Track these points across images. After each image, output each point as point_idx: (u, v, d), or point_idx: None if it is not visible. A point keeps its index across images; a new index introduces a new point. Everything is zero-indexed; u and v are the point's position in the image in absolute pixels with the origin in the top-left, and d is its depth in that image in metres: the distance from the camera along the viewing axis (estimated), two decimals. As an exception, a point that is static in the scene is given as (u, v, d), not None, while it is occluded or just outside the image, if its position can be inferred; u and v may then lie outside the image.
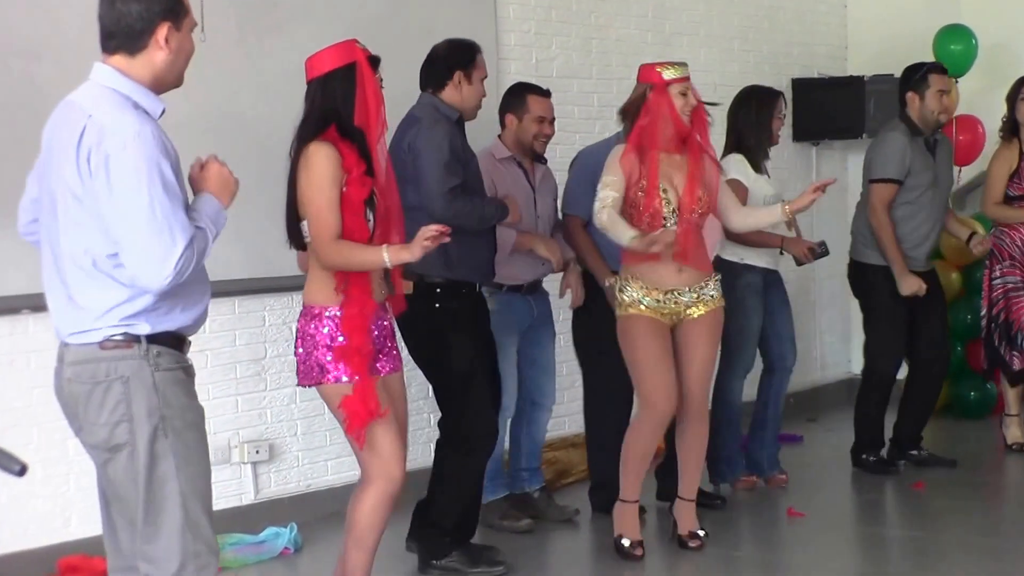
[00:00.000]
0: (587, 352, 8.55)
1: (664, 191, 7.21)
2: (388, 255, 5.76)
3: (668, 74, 7.26)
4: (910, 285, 9.05)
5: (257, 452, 8.10)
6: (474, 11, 9.33)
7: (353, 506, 6.07)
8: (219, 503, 7.88)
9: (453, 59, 7.64)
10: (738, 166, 8.76)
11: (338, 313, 5.86)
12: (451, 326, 7.38)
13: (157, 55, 4.59)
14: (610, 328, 7.76)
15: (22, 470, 4.05)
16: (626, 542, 7.41)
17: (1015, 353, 9.77)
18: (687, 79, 7.34)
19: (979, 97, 10.45)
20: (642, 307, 7.25)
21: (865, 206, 9.40)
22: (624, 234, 6.98)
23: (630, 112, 7.35)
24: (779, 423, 9.33)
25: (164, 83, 4.68)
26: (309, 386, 6.07)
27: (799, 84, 10.02)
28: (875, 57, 12.02)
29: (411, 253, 5.79)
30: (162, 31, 4.56)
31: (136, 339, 4.52)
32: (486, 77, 7.75)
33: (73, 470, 4.91)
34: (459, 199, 7.33)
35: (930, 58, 11.20)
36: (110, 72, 4.58)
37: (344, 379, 5.83)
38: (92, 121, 4.46)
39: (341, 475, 6.26)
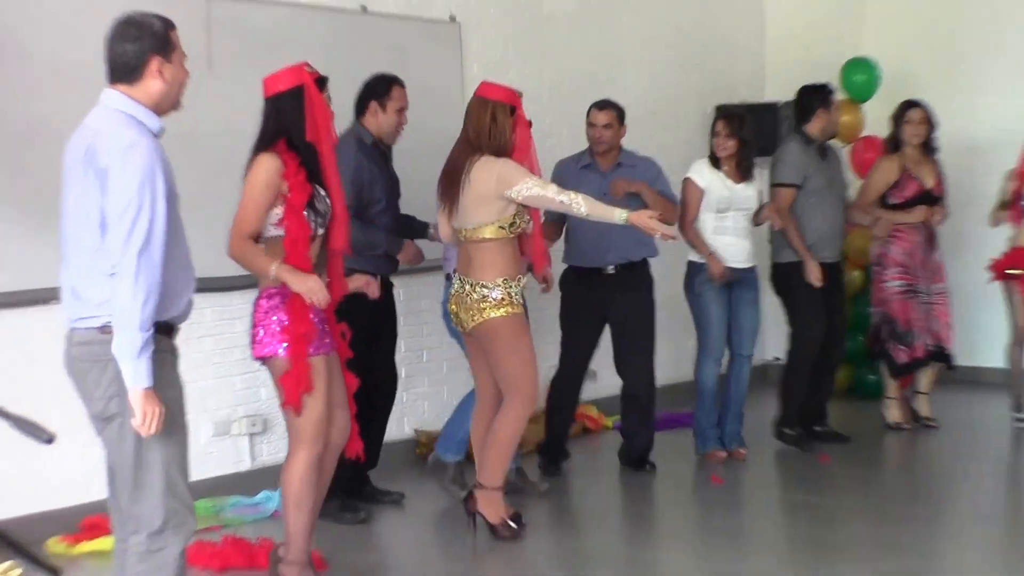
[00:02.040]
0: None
1: None
2: (275, 271, 5.78)
3: (509, 95, 7.20)
4: (814, 272, 9.15)
5: (253, 426, 8.23)
6: (442, 43, 9.41)
7: (285, 472, 6.10)
8: (220, 470, 8.07)
9: (371, 90, 7.79)
10: (695, 166, 9.05)
11: (285, 297, 5.90)
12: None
13: (152, 84, 4.74)
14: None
15: (50, 439, 4.24)
16: (512, 524, 7.15)
17: (901, 348, 9.91)
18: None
19: (881, 120, 10.54)
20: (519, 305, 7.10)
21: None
22: (612, 212, 6.98)
23: (483, 131, 7.10)
24: (741, 404, 9.31)
25: (161, 107, 4.82)
26: (260, 359, 6.07)
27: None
28: (788, 85, 11.59)
29: (298, 284, 5.80)
30: (154, 63, 4.73)
31: None
32: (404, 107, 7.74)
33: (95, 439, 4.97)
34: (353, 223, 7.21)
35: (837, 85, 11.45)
36: (116, 95, 4.74)
37: (285, 356, 5.89)
38: (98, 134, 4.62)
39: None
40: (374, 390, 7.80)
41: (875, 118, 11.23)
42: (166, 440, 4.73)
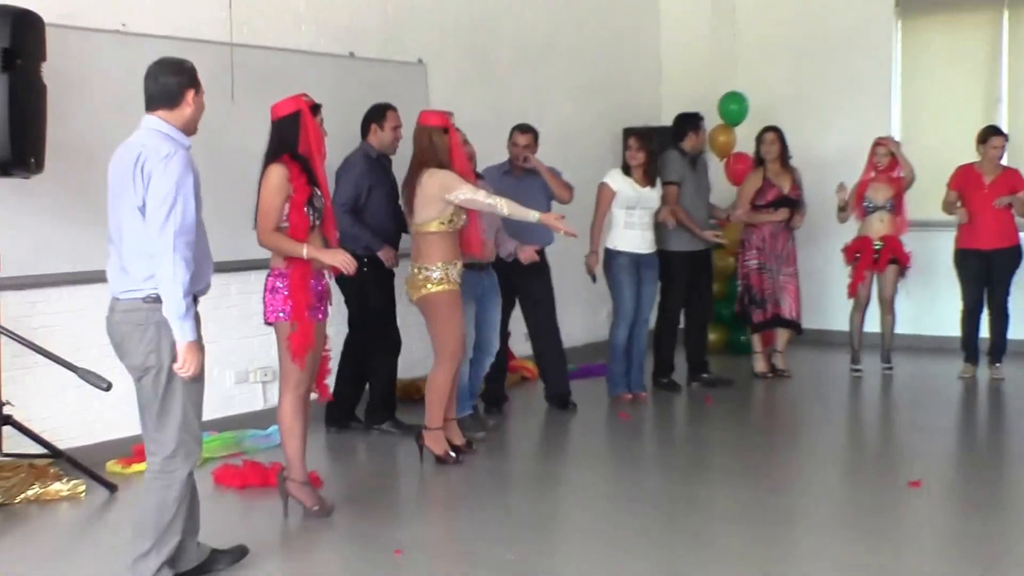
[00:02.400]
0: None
1: None
2: (306, 251, 5.84)
3: (440, 118, 7.23)
4: (708, 237, 9.49)
5: (265, 375, 8.26)
6: (412, 81, 9.41)
7: (280, 407, 6.16)
8: (240, 409, 8.08)
9: (371, 115, 7.97)
10: (609, 174, 9.11)
11: (292, 271, 5.92)
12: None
13: (186, 110, 4.92)
14: None
15: (108, 386, 4.33)
16: (452, 455, 7.21)
17: (757, 310, 10.01)
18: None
19: (748, 141, 10.57)
20: (457, 285, 7.13)
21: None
22: (528, 212, 7.04)
23: (427, 150, 7.12)
24: (642, 358, 9.29)
25: (188, 129, 4.96)
26: (268, 323, 6.07)
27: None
28: (630, 110, 11.93)
29: (329, 258, 5.92)
30: (189, 94, 4.92)
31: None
32: (398, 126, 7.86)
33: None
34: (347, 217, 7.60)
35: (716, 113, 11.58)
36: (155, 119, 4.89)
37: (290, 321, 5.93)
38: (144, 148, 4.76)
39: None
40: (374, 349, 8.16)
41: (744, 138, 11.14)
42: (187, 387, 4.85)
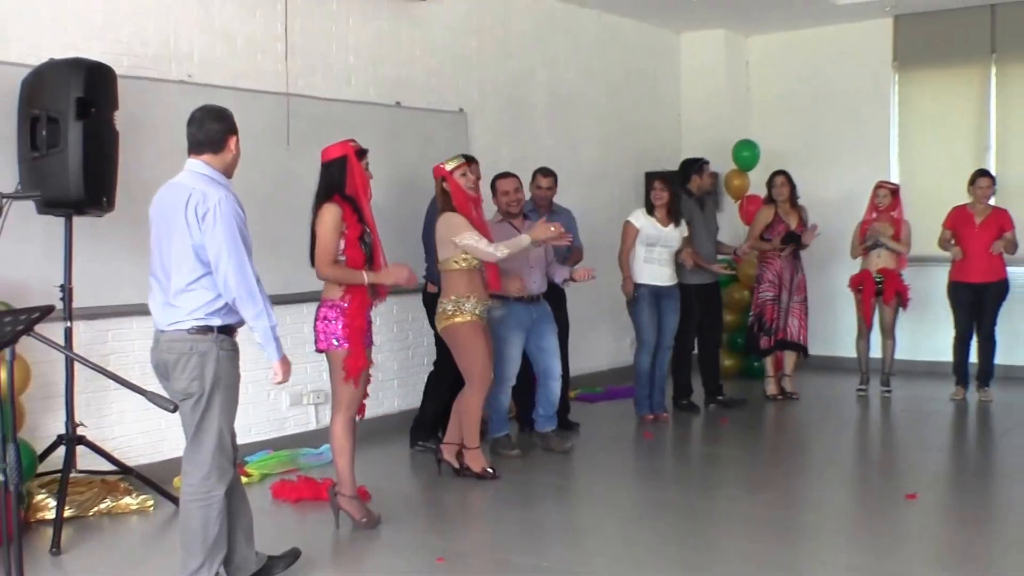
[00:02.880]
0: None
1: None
2: (367, 277, 5.86)
3: (448, 166, 6.99)
4: (716, 269, 9.43)
5: (317, 398, 8.16)
6: (454, 129, 9.33)
7: (332, 428, 6.12)
8: (295, 430, 8.08)
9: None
10: (634, 213, 8.99)
11: (345, 305, 5.88)
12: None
13: (228, 155, 4.87)
14: None
15: (175, 408, 4.23)
16: (490, 470, 7.16)
17: (764, 337, 9.97)
18: (464, 164, 7.00)
19: (760, 185, 10.57)
20: (477, 316, 7.00)
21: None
22: (522, 241, 6.98)
23: (441, 196, 7.05)
24: (663, 381, 9.23)
25: (228, 172, 4.91)
26: (321, 351, 6.04)
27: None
28: (652, 155, 11.85)
29: (390, 278, 5.96)
30: (232, 140, 4.87)
31: (211, 328, 4.73)
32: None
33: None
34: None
35: (730, 159, 11.57)
36: (201, 164, 4.84)
37: (346, 346, 5.89)
38: (195, 191, 4.70)
39: (370, 412, 6.37)
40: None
41: (757, 182, 11.21)
42: (223, 413, 4.81)
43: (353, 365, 5.92)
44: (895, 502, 6.63)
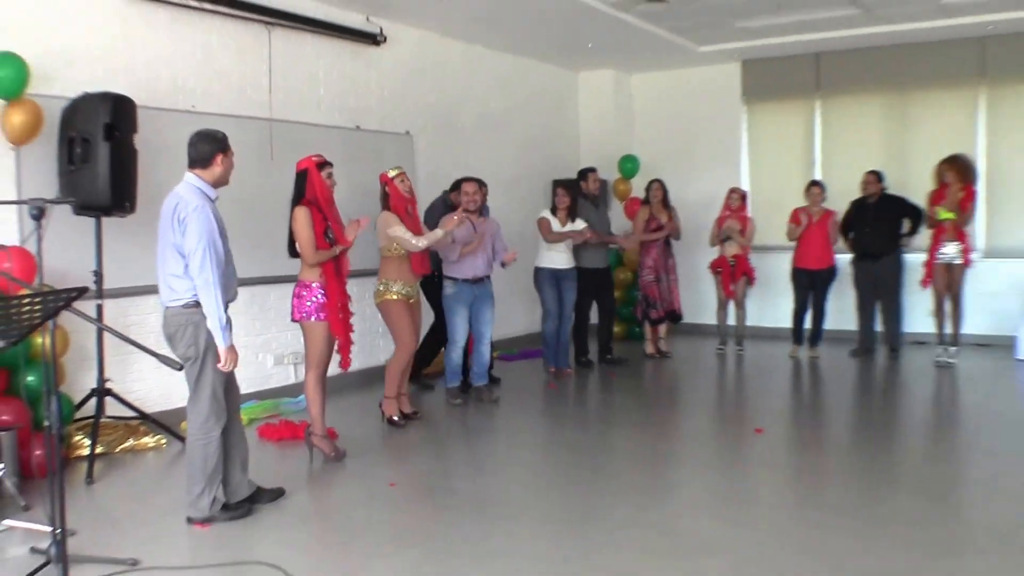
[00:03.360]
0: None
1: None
2: (338, 249, 5.91)
3: (390, 173, 6.96)
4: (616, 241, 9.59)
5: (295, 358, 8.10)
6: (403, 147, 9.26)
7: (305, 382, 6.09)
8: (277, 384, 7.99)
9: (453, 187, 7.99)
10: (543, 212, 9.01)
11: (315, 285, 5.88)
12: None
13: (216, 169, 4.86)
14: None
15: (180, 367, 4.28)
16: (396, 418, 7.08)
17: (653, 310, 10.04)
18: (402, 174, 6.93)
19: (641, 189, 10.57)
20: (403, 296, 6.96)
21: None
22: (436, 234, 6.97)
23: (383, 197, 6.99)
24: (566, 343, 9.14)
25: (218, 184, 4.91)
26: (296, 321, 6.01)
27: (555, 182, 9.99)
28: (556, 166, 11.25)
29: (350, 234, 6.05)
30: (218, 157, 4.86)
31: (199, 303, 4.74)
32: (467, 192, 7.75)
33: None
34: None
35: (617, 169, 11.58)
36: (193, 177, 4.86)
37: (322, 317, 5.89)
38: (182, 200, 4.74)
39: (335, 369, 6.38)
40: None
41: (638, 187, 11.22)
42: (215, 371, 4.81)
43: (337, 330, 5.96)
44: (747, 435, 6.75)
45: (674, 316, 10.23)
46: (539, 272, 9.03)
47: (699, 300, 11.49)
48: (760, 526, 4.80)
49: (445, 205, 8.25)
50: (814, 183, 10.02)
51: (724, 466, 6.04)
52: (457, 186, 8.06)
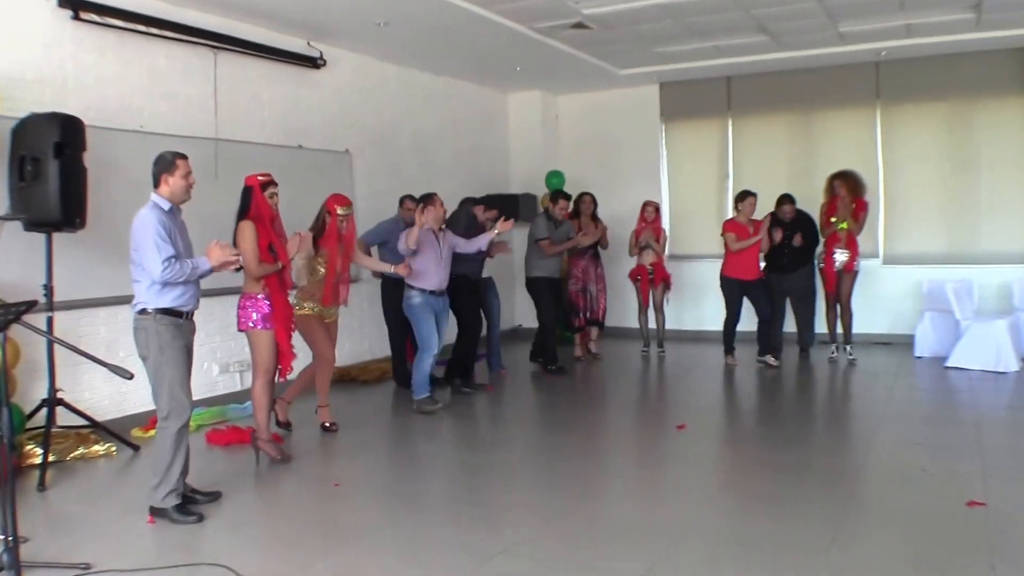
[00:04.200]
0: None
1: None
2: (280, 265, 5.80)
3: (337, 204, 6.70)
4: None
5: (241, 366, 8.01)
6: (342, 165, 9.21)
7: (252, 389, 5.99)
8: (224, 391, 7.88)
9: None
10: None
11: (260, 297, 5.80)
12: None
13: (164, 188, 4.92)
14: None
15: (131, 376, 4.20)
16: (327, 424, 6.94)
17: (575, 317, 10.02)
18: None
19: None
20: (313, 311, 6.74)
21: (532, 252, 9.36)
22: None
23: (318, 224, 6.73)
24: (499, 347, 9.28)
25: (174, 199, 4.97)
26: (242, 331, 5.92)
27: (484, 198, 10.00)
28: (521, 185, 12.01)
29: (292, 249, 5.96)
30: (163, 177, 4.92)
31: (147, 311, 4.86)
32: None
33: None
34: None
35: (544, 183, 11.56)
36: (153, 194, 4.93)
37: (270, 327, 5.82)
38: (137, 215, 4.83)
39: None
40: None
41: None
42: (169, 370, 4.84)
43: (283, 339, 5.89)
44: (670, 431, 6.78)
45: (598, 323, 10.22)
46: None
47: (622, 305, 11.53)
48: (684, 512, 4.85)
49: (468, 217, 8.40)
50: (749, 193, 9.52)
51: (649, 459, 6.13)
52: (482, 201, 8.56)
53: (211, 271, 4.97)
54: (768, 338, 9.48)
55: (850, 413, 7.54)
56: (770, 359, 9.39)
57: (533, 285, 9.44)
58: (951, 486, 5.16)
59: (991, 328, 8.94)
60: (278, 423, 6.98)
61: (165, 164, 4.97)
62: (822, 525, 4.55)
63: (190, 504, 5.07)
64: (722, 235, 9.59)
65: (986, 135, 10.38)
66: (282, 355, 6.00)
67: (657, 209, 10.32)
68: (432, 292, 7.53)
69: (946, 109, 10.61)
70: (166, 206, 4.91)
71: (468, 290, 8.49)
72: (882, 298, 10.58)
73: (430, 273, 7.52)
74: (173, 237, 4.87)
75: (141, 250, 4.80)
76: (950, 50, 10.19)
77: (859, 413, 7.49)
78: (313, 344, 6.87)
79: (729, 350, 9.65)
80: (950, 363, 9.05)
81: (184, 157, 5.03)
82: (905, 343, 10.16)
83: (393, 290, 8.29)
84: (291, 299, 6.45)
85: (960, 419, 6.94)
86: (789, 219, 9.53)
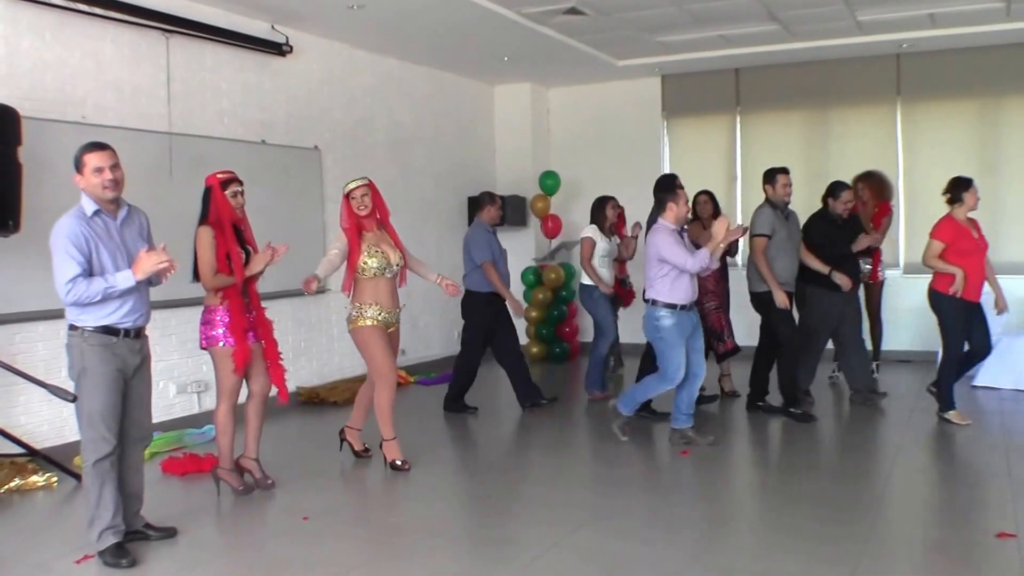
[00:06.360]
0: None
1: (378, 251, 6.26)
2: (237, 277, 5.58)
3: (349, 187, 6.30)
4: (782, 300, 7.45)
5: (199, 387, 7.91)
6: (310, 163, 9.17)
7: (216, 412, 5.81)
8: (181, 413, 7.83)
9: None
10: (589, 229, 8.58)
11: (224, 309, 5.64)
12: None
13: (81, 184, 4.62)
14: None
15: (73, 398, 4.05)
16: (399, 462, 6.42)
17: (718, 343, 8.39)
18: (363, 187, 6.29)
19: (561, 206, 10.67)
20: (376, 321, 6.26)
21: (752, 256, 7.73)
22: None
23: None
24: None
25: (95, 198, 4.62)
26: (204, 349, 5.77)
27: (470, 199, 10.03)
28: (509, 186, 12.01)
29: (256, 265, 5.66)
30: (76, 176, 4.63)
31: (77, 327, 4.60)
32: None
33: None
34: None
35: (536, 186, 11.52)
36: (83, 194, 4.67)
37: (231, 342, 5.65)
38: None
39: (243, 399, 6.16)
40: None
41: (558, 204, 11.30)
42: (90, 397, 4.60)
43: (239, 359, 5.69)
44: (672, 456, 6.72)
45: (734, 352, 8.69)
46: (592, 291, 8.55)
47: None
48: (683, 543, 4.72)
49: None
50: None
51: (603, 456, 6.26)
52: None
53: (136, 286, 4.62)
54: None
55: (867, 438, 7.40)
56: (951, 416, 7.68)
57: (760, 303, 7.89)
58: (980, 516, 5.14)
59: (1021, 343, 8.85)
60: (355, 454, 6.81)
61: (74, 161, 4.66)
62: (844, 559, 4.43)
63: (141, 540, 4.91)
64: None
65: (1016, 135, 10.35)
66: (274, 379, 5.86)
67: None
68: (683, 307, 6.67)
69: (973, 106, 10.59)
70: (90, 210, 4.61)
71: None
72: (903, 311, 10.53)
73: (680, 282, 6.63)
74: (91, 248, 4.57)
75: (52, 264, 4.54)
76: (977, 42, 10.18)
77: (879, 438, 7.37)
78: (372, 358, 6.29)
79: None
80: (977, 382, 8.99)
81: (98, 149, 4.65)
82: (928, 360, 10.08)
83: (486, 306, 8.06)
84: (351, 310, 6.31)
85: (989, 444, 6.90)
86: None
